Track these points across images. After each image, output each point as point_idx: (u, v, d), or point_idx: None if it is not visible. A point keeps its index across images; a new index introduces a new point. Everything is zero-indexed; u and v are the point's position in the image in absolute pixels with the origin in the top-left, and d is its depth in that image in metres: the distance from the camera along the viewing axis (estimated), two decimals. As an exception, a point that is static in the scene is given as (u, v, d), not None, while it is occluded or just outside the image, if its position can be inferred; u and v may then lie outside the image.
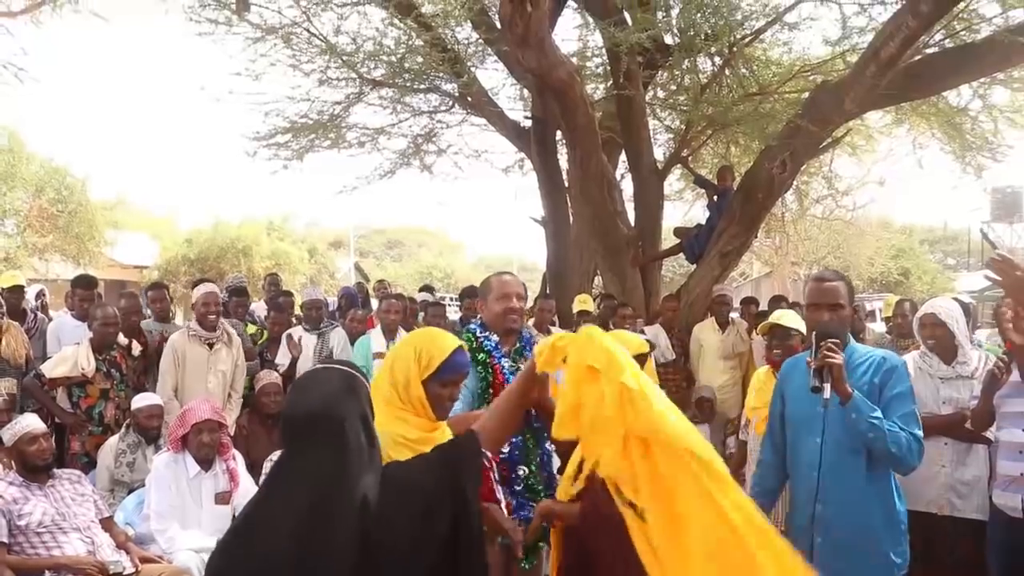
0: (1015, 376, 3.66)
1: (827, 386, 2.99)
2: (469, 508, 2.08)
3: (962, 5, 7.84)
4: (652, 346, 3.30)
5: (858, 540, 3.18)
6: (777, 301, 8.28)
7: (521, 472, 3.37)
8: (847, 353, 3.16)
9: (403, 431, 2.40)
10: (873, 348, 3.40)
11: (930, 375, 4.32)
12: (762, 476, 3.58)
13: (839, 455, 3.16)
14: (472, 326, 3.66)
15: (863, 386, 3.14)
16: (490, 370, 3.49)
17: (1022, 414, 3.61)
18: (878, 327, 9.55)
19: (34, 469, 4.37)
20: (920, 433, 3.10)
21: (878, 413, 3.04)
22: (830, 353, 2.99)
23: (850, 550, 3.16)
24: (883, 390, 3.14)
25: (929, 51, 8.56)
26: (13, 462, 4.47)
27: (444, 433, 2.53)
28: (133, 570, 4.32)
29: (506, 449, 3.31)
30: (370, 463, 1.99)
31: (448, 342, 2.54)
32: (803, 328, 4.40)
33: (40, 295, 8.14)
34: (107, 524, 4.51)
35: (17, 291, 6.80)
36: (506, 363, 3.51)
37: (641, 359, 2.93)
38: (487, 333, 3.56)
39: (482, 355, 3.50)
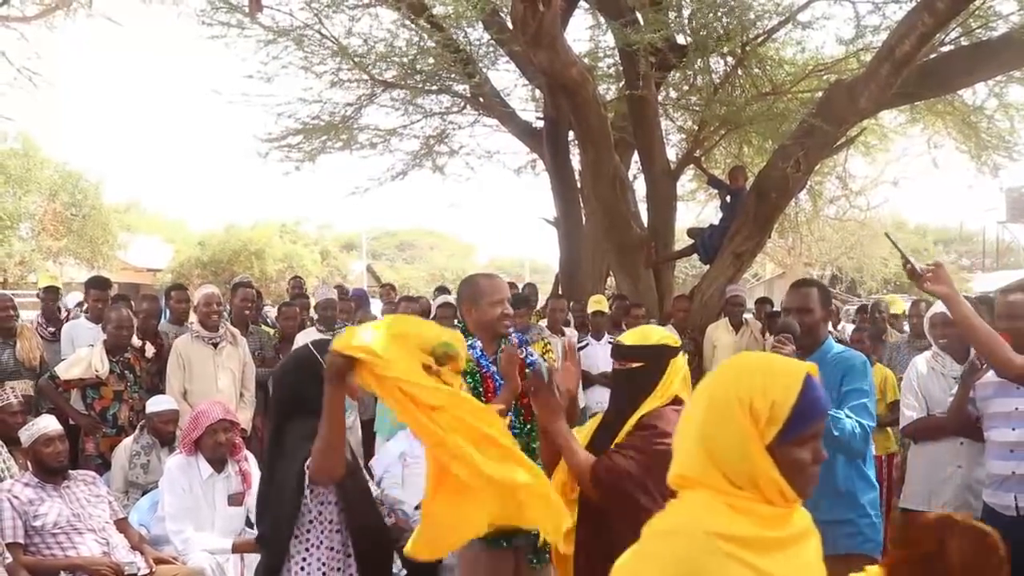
0: (993, 375, 3.66)
1: None
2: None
3: (978, 2, 7.78)
4: (682, 343, 3.24)
5: (829, 522, 3.34)
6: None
7: None
8: (823, 351, 3.49)
9: (736, 529, 1.44)
10: (845, 348, 3.67)
11: (943, 374, 4.30)
12: None
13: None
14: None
15: (830, 381, 3.34)
16: (479, 379, 3.28)
17: (1010, 413, 3.64)
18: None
19: (49, 470, 4.37)
20: (871, 424, 3.32)
21: None
22: (778, 344, 3.31)
23: (823, 531, 3.37)
24: (841, 385, 3.37)
25: (944, 49, 8.51)
26: (29, 463, 4.48)
27: (801, 516, 1.60)
28: (148, 571, 4.33)
29: None
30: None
31: (792, 371, 1.55)
32: None
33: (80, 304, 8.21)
34: (122, 525, 4.52)
35: (52, 292, 6.84)
36: (495, 370, 3.31)
37: (668, 352, 2.84)
38: (471, 340, 3.29)
39: (469, 363, 3.22)
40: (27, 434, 4.41)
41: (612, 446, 2.75)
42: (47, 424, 4.46)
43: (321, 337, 6.80)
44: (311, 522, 2.80)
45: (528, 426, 3.37)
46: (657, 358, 2.83)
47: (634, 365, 2.84)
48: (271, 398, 2.76)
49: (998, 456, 3.69)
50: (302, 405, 2.77)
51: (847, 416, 3.25)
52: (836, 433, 3.21)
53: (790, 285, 3.77)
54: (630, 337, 2.91)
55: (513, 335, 3.47)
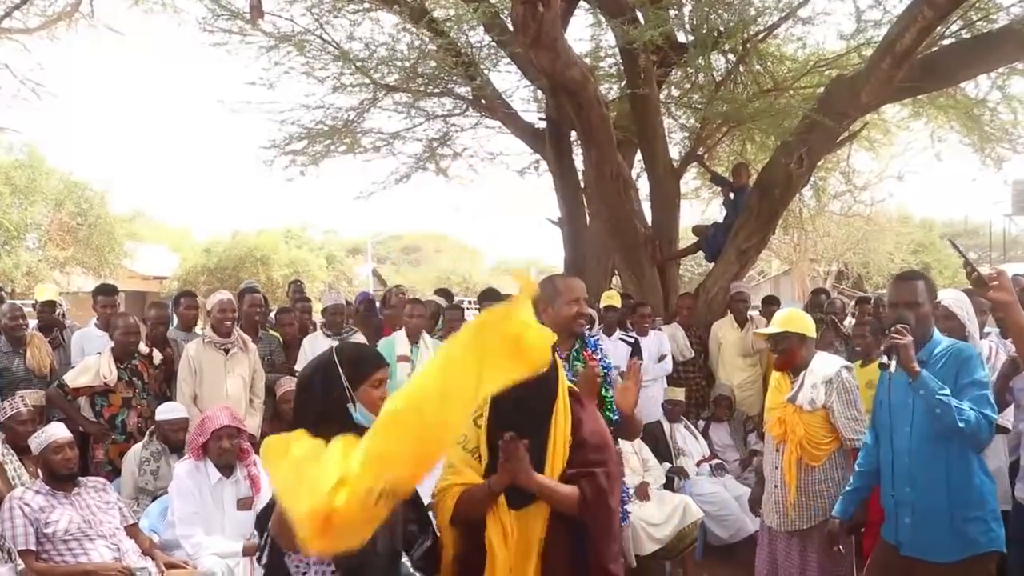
0: None
1: (893, 362, 3.31)
2: None
3: (978, -6, 7.77)
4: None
5: (940, 520, 3.35)
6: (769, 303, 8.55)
7: None
8: (931, 345, 3.44)
9: None
10: (954, 341, 3.56)
11: None
12: (866, 457, 3.80)
13: (924, 442, 3.38)
14: None
15: (941, 374, 3.32)
16: None
17: None
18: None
19: (60, 478, 4.41)
20: (993, 416, 3.25)
21: (946, 391, 3.22)
22: (896, 336, 3.28)
23: (934, 529, 3.36)
24: (957, 378, 3.31)
25: (945, 42, 8.50)
26: (39, 471, 4.51)
27: None
28: (159, 576, 4.35)
29: None
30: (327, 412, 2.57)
31: None
32: (798, 328, 4.25)
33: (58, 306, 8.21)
34: (132, 531, 4.55)
35: (49, 305, 6.92)
36: (565, 366, 3.35)
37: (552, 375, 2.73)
38: None
39: None
40: (37, 442, 4.45)
41: (561, 464, 2.70)
42: (56, 432, 4.49)
43: (330, 343, 6.83)
44: None
45: None
46: (545, 386, 2.69)
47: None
48: (295, 407, 2.70)
49: None
50: (330, 415, 2.62)
51: (970, 408, 3.21)
52: (961, 425, 3.17)
53: (895, 277, 3.70)
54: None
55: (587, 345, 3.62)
